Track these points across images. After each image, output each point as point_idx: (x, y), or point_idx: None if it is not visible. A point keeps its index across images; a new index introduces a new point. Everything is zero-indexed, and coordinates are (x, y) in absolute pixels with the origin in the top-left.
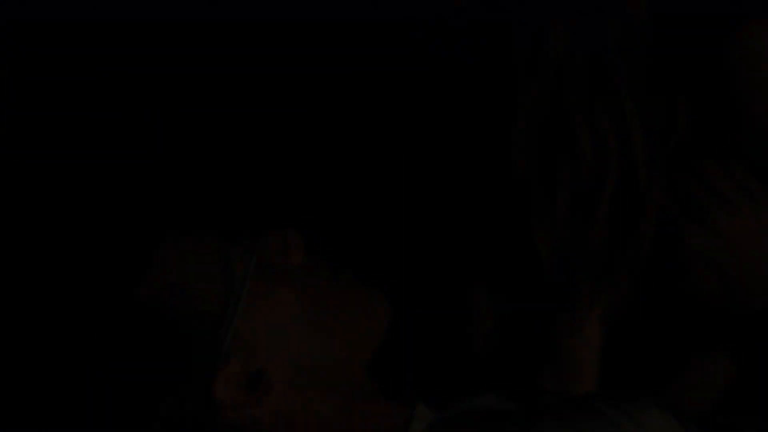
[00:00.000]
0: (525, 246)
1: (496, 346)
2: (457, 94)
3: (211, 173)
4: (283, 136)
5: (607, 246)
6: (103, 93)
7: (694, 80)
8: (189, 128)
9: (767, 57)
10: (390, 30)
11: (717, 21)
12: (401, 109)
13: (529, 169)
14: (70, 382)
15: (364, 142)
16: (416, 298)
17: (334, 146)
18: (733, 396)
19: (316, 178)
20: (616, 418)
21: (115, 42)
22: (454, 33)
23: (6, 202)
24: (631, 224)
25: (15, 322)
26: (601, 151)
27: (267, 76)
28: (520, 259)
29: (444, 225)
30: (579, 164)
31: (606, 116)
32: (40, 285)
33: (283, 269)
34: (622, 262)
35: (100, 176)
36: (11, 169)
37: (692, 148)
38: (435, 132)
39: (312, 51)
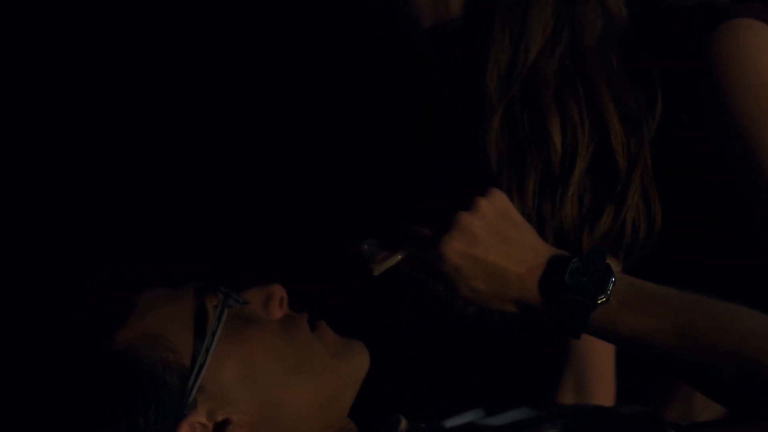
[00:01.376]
0: None
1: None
2: (425, 86)
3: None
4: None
5: (578, 227)
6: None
7: (673, 72)
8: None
9: (748, 54)
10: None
11: (698, 14)
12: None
13: (500, 160)
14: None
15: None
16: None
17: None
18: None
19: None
20: None
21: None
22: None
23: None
24: (604, 207)
25: None
26: (572, 140)
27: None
28: None
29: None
30: (549, 154)
31: (576, 107)
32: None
33: (261, 321)
34: (600, 243)
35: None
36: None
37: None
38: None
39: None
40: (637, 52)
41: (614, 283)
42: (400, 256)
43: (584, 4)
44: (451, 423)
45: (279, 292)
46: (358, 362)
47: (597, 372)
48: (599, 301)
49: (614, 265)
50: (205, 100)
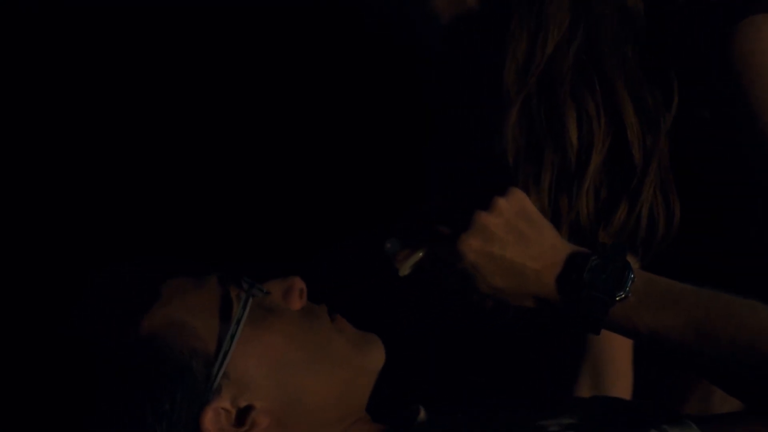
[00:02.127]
0: None
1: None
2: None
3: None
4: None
5: (594, 221)
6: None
7: (692, 67)
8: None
9: (765, 51)
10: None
11: (717, 9)
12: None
13: (517, 155)
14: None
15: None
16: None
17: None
18: None
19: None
20: None
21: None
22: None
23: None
24: (620, 201)
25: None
26: (588, 134)
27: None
28: None
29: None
30: (565, 148)
31: (592, 101)
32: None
33: (281, 312)
34: (620, 236)
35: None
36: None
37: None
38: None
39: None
40: (653, 47)
41: (633, 279)
42: (421, 254)
43: (601, 0)
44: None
45: (299, 284)
46: (376, 355)
47: (614, 366)
48: (618, 298)
49: (632, 260)
50: (206, 100)
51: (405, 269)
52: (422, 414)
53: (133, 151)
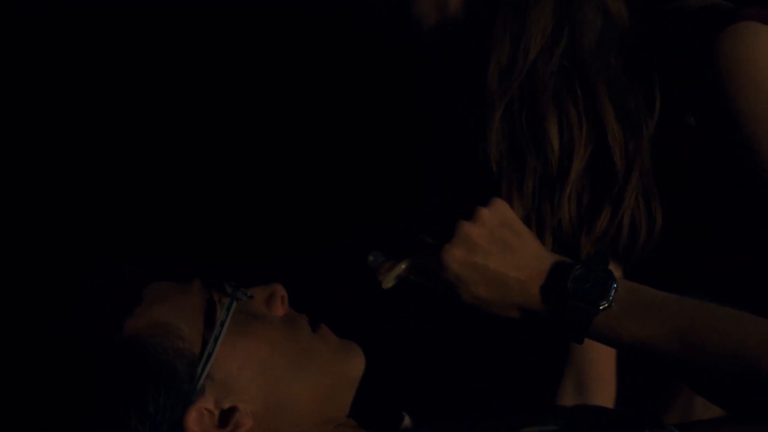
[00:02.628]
0: None
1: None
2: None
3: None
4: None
5: (577, 227)
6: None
7: (678, 74)
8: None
9: (754, 58)
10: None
11: (703, 16)
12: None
13: (500, 160)
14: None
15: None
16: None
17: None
18: None
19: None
20: None
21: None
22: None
23: None
24: (602, 207)
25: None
26: (569, 140)
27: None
28: None
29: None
30: (547, 154)
31: (574, 107)
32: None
33: (264, 318)
34: (597, 242)
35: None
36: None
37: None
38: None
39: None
40: (638, 53)
41: (616, 289)
42: (404, 265)
43: (584, 5)
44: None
45: (281, 291)
46: (356, 363)
47: (597, 373)
48: (601, 307)
49: (615, 269)
50: (205, 100)
51: (388, 282)
52: (407, 421)
53: (132, 151)
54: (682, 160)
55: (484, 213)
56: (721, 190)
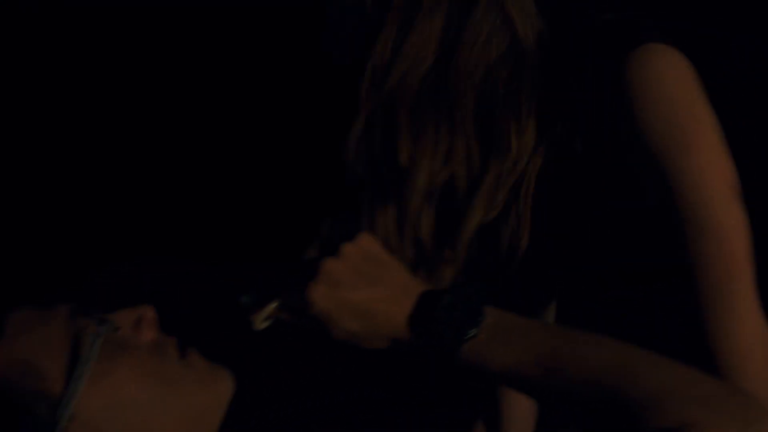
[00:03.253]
0: None
1: None
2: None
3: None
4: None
5: (434, 246)
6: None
7: (581, 94)
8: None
9: (660, 80)
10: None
11: (609, 38)
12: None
13: (359, 171)
14: None
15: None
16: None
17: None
18: None
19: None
20: None
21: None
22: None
23: None
24: (455, 231)
25: None
26: (420, 158)
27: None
28: None
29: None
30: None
31: (433, 125)
32: None
33: (130, 345)
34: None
35: None
36: None
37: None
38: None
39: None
40: (541, 75)
41: (483, 317)
42: (273, 306)
43: (482, 24)
44: None
45: (149, 313)
46: (224, 388)
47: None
48: (468, 336)
49: (484, 293)
50: (205, 100)
51: (259, 322)
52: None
53: (132, 151)
54: (564, 185)
55: (348, 248)
56: (613, 211)
